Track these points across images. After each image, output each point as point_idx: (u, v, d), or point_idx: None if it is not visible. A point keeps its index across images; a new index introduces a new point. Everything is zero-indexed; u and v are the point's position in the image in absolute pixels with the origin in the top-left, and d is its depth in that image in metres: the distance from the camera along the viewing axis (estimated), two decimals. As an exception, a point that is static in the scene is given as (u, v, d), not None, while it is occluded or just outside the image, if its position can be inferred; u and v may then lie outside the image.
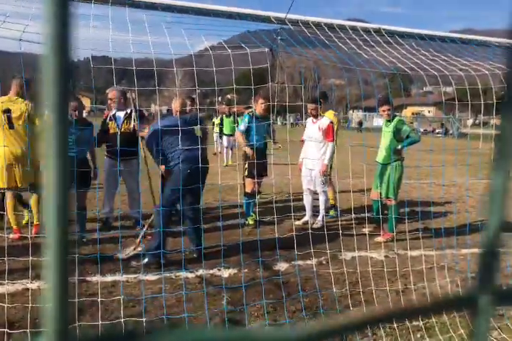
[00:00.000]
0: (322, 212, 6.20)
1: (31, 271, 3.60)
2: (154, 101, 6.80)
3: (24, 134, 5.06)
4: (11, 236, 5.05)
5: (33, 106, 5.16)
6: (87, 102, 5.99)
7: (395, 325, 3.24)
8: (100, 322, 3.15)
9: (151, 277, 4.20)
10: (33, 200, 5.38)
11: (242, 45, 4.08)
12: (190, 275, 4.37)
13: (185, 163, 4.51)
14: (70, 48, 0.23)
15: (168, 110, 5.79)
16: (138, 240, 4.79)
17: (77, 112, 5.19)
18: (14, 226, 5.17)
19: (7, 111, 5.03)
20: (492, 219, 0.31)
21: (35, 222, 5.34)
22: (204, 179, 4.68)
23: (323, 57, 4.43)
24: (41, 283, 3.89)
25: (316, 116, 6.16)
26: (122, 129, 5.65)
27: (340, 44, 3.98)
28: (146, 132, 5.04)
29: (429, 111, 64.12)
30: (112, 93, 5.75)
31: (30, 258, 3.46)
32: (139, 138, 5.23)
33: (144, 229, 4.86)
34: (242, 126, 6.19)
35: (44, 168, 0.24)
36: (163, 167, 4.83)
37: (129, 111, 5.73)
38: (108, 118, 5.76)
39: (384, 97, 5.70)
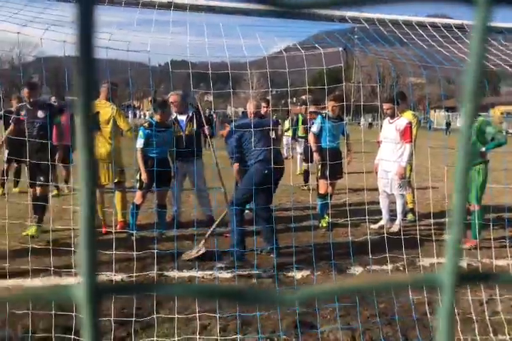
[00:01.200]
0: (400, 216, 5.99)
1: (114, 264, 3.82)
2: (231, 103, 6.96)
3: (109, 136, 5.43)
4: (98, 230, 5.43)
5: (118, 110, 5.53)
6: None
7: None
8: (176, 316, 3.29)
9: (226, 275, 4.31)
10: (117, 198, 5.73)
11: (316, 45, 4.06)
12: (263, 274, 4.42)
13: (262, 163, 4.59)
14: (94, 51, 0.25)
15: (243, 112, 5.91)
16: (202, 242, 4.83)
17: (160, 115, 5.46)
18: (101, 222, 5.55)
19: (95, 113, 5.46)
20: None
21: (119, 219, 5.67)
22: (278, 180, 4.74)
23: (401, 56, 4.28)
24: (124, 276, 4.14)
25: (392, 116, 5.97)
26: (186, 132, 5.88)
27: (418, 41, 3.83)
28: (224, 132, 5.27)
29: (520, 111, 59.48)
30: (172, 97, 6.00)
31: (114, 252, 3.69)
32: (207, 139, 5.53)
33: (211, 230, 4.91)
34: (314, 128, 6.15)
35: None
36: (236, 165, 4.93)
37: (190, 114, 5.97)
38: (170, 120, 6.06)
39: None
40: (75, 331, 3.04)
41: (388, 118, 6.04)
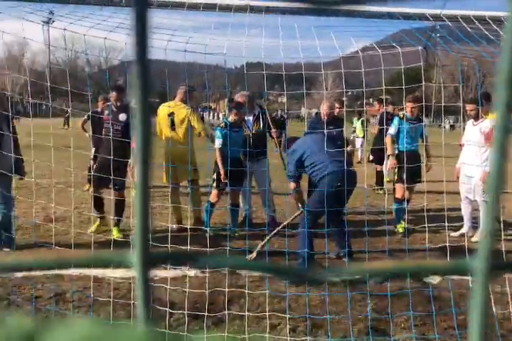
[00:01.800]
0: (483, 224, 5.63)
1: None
2: (305, 104, 6.92)
3: (184, 136, 5.64)
4: (174, 227, 5.63)
5: (192, 111, 5.73)
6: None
7: None
8: (247, 313, 3.34)
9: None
10: (191, 196, 5.94)
11: (394, 44, 3.94)
12: (334, 278, 4.36)
13: (331, 176, 4.36)
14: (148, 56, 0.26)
15: (316, 113, 5.87)
16: (263, 242, 4.81)
17: (233, 116, 5.59)
18: (175, 218, 5.77)
19: (171, 114, 5.68)
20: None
21: (192, 216, 5.86)
22: (351, 190, 4.54)
23: (487, 54, 4.03)
24: (198, 271, 4.27)
25: (476, 118, 5.63)
26: (254, 131, 5.94)
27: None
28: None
29: None
30: (239, 98, 6.08)
31: (189, 247, 3.82)
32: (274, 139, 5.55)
33: (275, 231, 4.86)
34: (392, 129, 5.96)
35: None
36: (293, 185, 4.80)
37: (256, 113, 6.01)
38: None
39: None
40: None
41: (472, 120, 5.71)
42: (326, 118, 4.94)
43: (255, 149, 5.49)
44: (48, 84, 4.32)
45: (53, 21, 4.84)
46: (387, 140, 6.04)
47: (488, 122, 5.57)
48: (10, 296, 3.61)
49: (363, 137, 12.26)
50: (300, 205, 4.90)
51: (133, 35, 0.25)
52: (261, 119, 5.99)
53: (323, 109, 4.98)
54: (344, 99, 6.47)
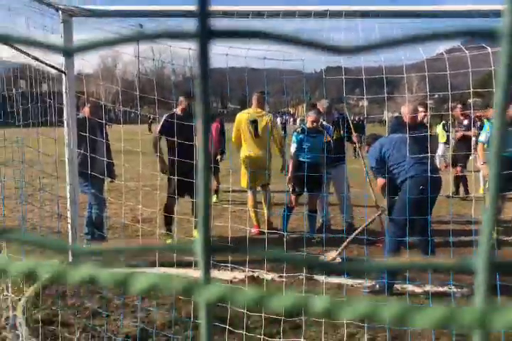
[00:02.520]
0: None
1: (266, 263, 4.00)
2: (387, 107, 6.75)
3: (265, 142, 5.71)
4: (252, 230, 5.73)
5: (272, 118, 5.79)
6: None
7: None
8: (324, 320, 3.30)
9: (376, 286, 4.18)
10: (263, 199, 6.01)
11: (483, 44, 3.71)
12: (417, 289, 4.19)
13: (417, 176, 4.18)
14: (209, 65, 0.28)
15: (396, 117, 5.67)
16: (341, 249, 4.72)
17: (311, 121, 5.58)
18: (254, 222, 5.86)
19: (254, 121, 5.78)
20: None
21: (266, 220, 5.91)
22: (435, 197, 4.30)
23: None
24: (276, 275, 4.31)
25: None
26: (334, 137, 5.86)
27: None
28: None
29: None
30: (319, 106, 6.06)
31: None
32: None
33: (353, 235, 4.75)
34: (483, 136, 5.60)
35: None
36: (381, 181, 4.56)
37: (336, 119, 5.94)
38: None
39: None
40: (230, 321, 3.26)
41: None
42: (407, 122, 4.75)
43: (334, 155, 5.45)
44: (137, 93, 4.61)
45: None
46: (479, 148, 5.68)
47: None
48: (101, 291, 3.88)
49: (445, 143, 11.49)
50: (379, 206, 4.72)
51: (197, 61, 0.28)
52: (341, 125, 5.94)
53: (405, 112, 4.80)
54: (429, 102, 6.20)
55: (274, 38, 0.26)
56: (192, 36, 0.27)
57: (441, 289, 4.15)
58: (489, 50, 3.71)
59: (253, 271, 4.30)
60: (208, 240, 0.31)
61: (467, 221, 6.30)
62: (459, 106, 8.10)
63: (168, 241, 5.31)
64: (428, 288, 4.14)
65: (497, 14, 3.66)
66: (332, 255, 4.71)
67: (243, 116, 5.91)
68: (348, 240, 4.66)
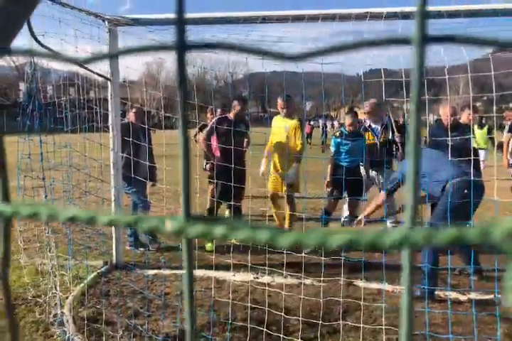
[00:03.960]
0: None
1: (304, 267, 3.98)
2: (431, 110, 6.57)
3: (294, 145, 5.61)
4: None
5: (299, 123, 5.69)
6: (361, 115, 6.27)
7: None
8: (362, 325, 3.26)
9: (417, 292, 4.07)
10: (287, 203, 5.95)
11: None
12: (461, 296, 4.06)
13: (459, 179, 4.02)
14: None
15: (436, 120, 5.52)
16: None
17: (350, 125, 5.52)
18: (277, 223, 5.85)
19: (286, 125, 5.72)
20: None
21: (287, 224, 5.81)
22: (480, 195, 4.14)
23: None
24: (315, 280, 4.29)
25: None
26: (381, 140, 5.77)
27: None
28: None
29: None
30: (367, 106, 5.96)
31: (303, 255, 3.86)
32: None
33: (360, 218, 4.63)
34: None
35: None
36: (381, 196, 4.36)
37: (385, 122, 5.83)
38: (362, 128, 5.95)
39: None
40: (268, 324, 3.28)
41: None
42: (448, 125, 4.61)
43: (383, 158, 5.37)
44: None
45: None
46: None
47: None
48: (143, 291, 3.99)
49: (487, 149, 10.52)
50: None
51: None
52: (389, 128, 5.86)
53: (444, 114, 4.67)
54: (478, 104, 6.01)
55: (228, 48, 0.29)
56: (171, 49, 0.30)
57: (486, 297, 4.00)
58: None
59: (291, 275, 4.30)
60: (188, 211, 0.31)
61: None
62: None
63: (209, 244, 5.39)
64: (472, 295, 4.00)
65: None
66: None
67: (277, 120, 5.83)
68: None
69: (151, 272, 4.62)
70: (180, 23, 0.29)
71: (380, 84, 4.43)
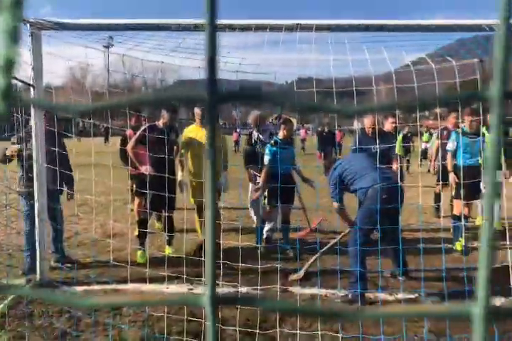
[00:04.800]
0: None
1: (240, 276, 3.97)
2: (357, 118, 6.83)
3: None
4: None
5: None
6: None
7: None
8: (299, 331, 3.30)
9: (349, 295, 4.20)
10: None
11: (448, 57, 3.85)
12: (389, 297, 4.24)
13: (378, 191, 4.13)
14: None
15: (362, 129, 5.72)
16: (306, 265, 4.73)
17: (283, 133, 5.61)
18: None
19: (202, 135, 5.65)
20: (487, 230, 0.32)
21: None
22: (399, 200, 4.35)
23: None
24: (250, 288, 4.28)
25: None
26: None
27: None
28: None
29: None
30: (251, 118, 6.04)
31: (240, 264, 3.84)
32: None
33: (322, 251, 4.69)
34: (450, 145, 5.76)
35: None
36: (336, 205, 4.54)
37: (272, 131, 5.96)
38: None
39: None
40: (204, 336, 3.22)
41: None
42: (370, 132, 4.83)
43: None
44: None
45: (112, 45, 5.11)
46: (448, 156, 5.83)
47: None
48: (71, 310, 3.77)
49: (402, 156, 11.22)
50: (347, 224, 4.71)
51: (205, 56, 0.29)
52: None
53: (367, 123, 4.89)
54: (398, 112, 6.34)
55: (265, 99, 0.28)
56: (202, 100, 0.28)
57: (412, 296, 4.21)
58: (453, 63, 3.85)
59: (227, 285, 4.27)
60: (214, 294, 0.33)
61: (437, 228, 6.44)
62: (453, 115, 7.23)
63: (140, 255, 5.21)
64: (400, 295, 4.19)
65: (464, 28, 3.80)
66: (299, 275, 4.66)
67: (195, 131, 5.65)
68: (316, 256, 4.66)
69: (80, 288, 4.38)
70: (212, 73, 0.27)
71: (309, 93, 4.54)
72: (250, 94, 0.28)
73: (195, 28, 4.16)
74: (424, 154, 14.52)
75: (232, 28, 4.18)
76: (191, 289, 4.38)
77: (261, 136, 5.91)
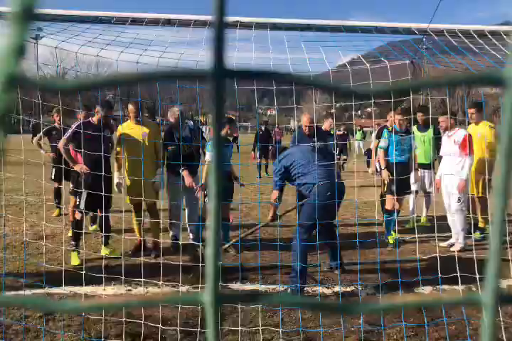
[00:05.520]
0: (462, 232, 5.68)
1: (181, 274, 3.92)
2: (295, 117, 6.93)
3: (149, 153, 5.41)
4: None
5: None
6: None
7: None
8: (240, 328, 3.32)
9: (288, 290, 4.28)
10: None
11: (382, 58, 4.02)
12: (326, 290, 4.36)
13: (322, 186, 4.31)
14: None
15: (299, 127, 5.78)
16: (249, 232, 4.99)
17: (224, 130, 5.61)
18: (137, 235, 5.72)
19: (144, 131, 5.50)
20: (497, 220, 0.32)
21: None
22: (342, 196, 4.51)
23: (472, 66, 4.12)
24: (190, 287, 4.24)
25: (447, 129, 5.74)
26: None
27: (492, 51, 3.68)
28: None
29: None
30: (171, 116, 5.69)
31: (181, 263, 3.80)
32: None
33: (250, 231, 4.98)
34: (382, 142, 6.02)
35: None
36: (274, 194, 4.65)
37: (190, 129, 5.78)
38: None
39: None
40: (144, 338, 3.15)
41: (447, 131, 5.81)
42: (307, 131, 4.94)
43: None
44: (39, 101, 4.29)
45: (42, 37, 4.83)
46: (380, 153, 6.09)
47: (460, 132, 5.66)
48: (-2, 316, 3.55)
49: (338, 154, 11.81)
50: (271, 217, 4.80)
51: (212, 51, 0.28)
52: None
53: (304, 121, 5.00)
54: (333, 111, 6.53)
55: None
56: (206, 76, 0.26)
57: (348, 289, 4.36)
58: (387, 63, 4.02)
59: (167, 284, 4.20)
60: (216, 292, 0.31)
61: (371, 223, 6.72)
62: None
63: (74, 257, 4.99)
64: (337, 288, 4.33)
65: (395, 31, 3.97)
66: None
67: (130, 126, 5.43)
68: (248, 232, 4.98)
69: (9, 294, 4.13)
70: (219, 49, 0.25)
71: (245, 91, 4.57)
72: (258, 72, 0.27)
73: (133, 21, 4.04)
74: (369, 152, 15.08)
75: (172, 23, 4.11)
76: (130, 290, 4.27)
77: (183, 133, 5.65)
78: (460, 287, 4.12)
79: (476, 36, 3.88)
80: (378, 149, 6.16)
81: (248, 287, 4.38)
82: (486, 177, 5.78)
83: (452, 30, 3.98)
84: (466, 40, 3.88)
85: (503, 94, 0.30)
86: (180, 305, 3.49)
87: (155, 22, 4.13)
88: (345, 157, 13.65)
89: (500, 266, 0.34)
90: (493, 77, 0.30)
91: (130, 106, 5.41)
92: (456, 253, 4.26)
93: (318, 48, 4.31)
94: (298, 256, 4.20)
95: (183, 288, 4.18)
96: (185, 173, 5.31)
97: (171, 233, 5.60)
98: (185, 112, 6.17)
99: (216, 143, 0.29)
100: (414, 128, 5.96)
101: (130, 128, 5.37)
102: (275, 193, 4.60)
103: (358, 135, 20.14)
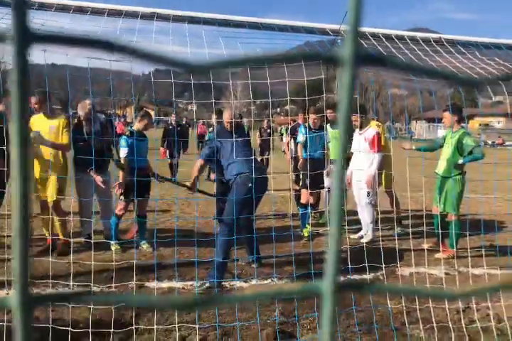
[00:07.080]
0: (371, 225, 6.05)
1: (93, 274, 3.77)
2: (215, 112, 6.91)
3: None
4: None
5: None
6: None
7: None
8: (155, 326, 3.26)
9: (206, 284, 4.28)
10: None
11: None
12: (243, 284, 4.42)
13: (244, 177, 4.40)
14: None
15: (218, 122, 5.78)
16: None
17: (139, 124, 5.44)
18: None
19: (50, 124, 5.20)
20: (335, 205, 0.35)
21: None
22: (262, 193, 4.59)
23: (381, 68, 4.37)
24: (105, 287, 4.08)
25: (360, 128, 6.08)
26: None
27: (398, 55, 3.93)
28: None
29: (498, 122, 60.67)
30: (80, 110, 5.50)
31: (93, 262, 3.64)
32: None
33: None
34: (300, 137, 6.26)
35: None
36: (199, 161, 4.70)
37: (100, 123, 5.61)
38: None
39: (454, 106, 5.50)
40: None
41: (358, 129, 6.13)
42: (229, 126, 4.98)
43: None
44: None
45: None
46: (298, 147, 6.35)
47: (371, 130, 6.02)
48: None
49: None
50: (191, 185, 4.75)
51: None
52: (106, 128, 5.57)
53: (226, 117, 5.03)
54: (253, 108, 6.61)
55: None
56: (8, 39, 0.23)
57: (265, 282, 4.45)
58: (302, 63, 4.13)
59: (81, 285, 4.01)
60: (26, 294, 0.27)
61: (287, 216, 6.91)
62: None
63: None
64: (254, 282, 4.40)
65: (311, 31, 4.09)
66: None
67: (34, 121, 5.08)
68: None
69: None
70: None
71: (165, 84, 4.47)
72: (71, 37, 0.24)
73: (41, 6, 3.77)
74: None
75: (84, 10, 3.89)
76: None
77: (93, 127, 5.31)
78: (368, 276, 4.38)
79: (383, 39, 4.12)
80: (298, 144, 6.40)
81: (164, 285, 4.31)
82: (392, 172, 6.17)
83: (362, 33, 4.19)
84: (375, 43, 4.10)
85: (338, 72, 0.32)
86: (91, 306, 3.35)
87: (67, 9, 3.89)
88: (267, 152, 13.86)
89: (339, 254, 0.36)
90: (328, 56, 0.32)
91: (32, 100, 5.02)
92: (364, 244, 4.51)
93: (237, 45, 4.33)
94: (220, 252, 4.23)
95: (96, 289, 4.01)
96: (92, 173, 5.10)
97: (82, 231, 5.36)
98: (99, 105, 5.91)
99: (18, 118, 0.26)
100: (327, 126, 6.22)
101: (38, 120, 5.03)
102: (199, 161, 4.66)
103: (284, 131, 20.68)
